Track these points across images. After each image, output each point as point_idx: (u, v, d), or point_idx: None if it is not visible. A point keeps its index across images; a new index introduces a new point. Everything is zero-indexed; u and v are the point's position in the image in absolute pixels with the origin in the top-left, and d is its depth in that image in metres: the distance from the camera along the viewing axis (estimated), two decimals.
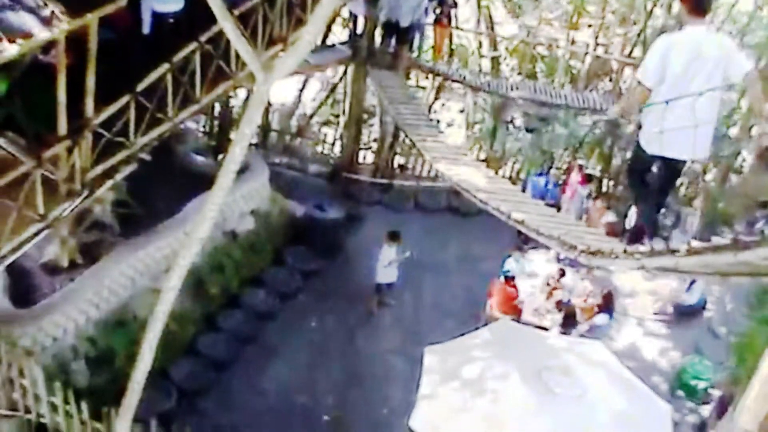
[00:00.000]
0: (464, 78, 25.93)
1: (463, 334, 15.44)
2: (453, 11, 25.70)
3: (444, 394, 13.71)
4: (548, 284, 19.25)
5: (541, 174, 23.23)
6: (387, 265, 19.11)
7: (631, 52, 28.85)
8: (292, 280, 19.96)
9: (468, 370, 14.03)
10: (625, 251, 9.12)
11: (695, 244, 7.20)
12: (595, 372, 14.00)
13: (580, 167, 22.37)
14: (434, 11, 24.11)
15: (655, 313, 20.01)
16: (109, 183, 13.87)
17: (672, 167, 9.11)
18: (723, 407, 15.58)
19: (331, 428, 16.48)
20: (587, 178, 22.32)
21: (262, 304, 19.04)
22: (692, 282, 19.63)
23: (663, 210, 11.12)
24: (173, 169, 18.99)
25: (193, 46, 14.88)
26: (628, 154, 25.29)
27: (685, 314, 19.86)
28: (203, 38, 14.98)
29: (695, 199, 24.27)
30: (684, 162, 9.16)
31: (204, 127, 24.78)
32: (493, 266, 19.46)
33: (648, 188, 9.46)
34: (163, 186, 17.87)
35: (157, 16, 15.11)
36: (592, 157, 27.09)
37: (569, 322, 18.34)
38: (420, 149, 18.71)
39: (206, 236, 8.74)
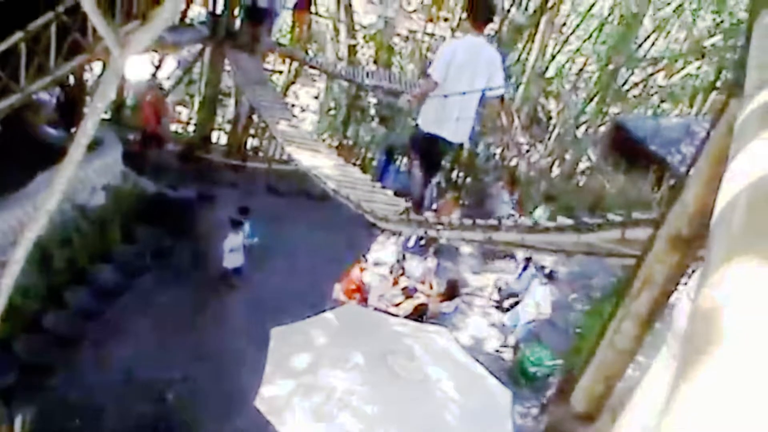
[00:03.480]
0: (320, 64, 26.10)
1: (310, 315, 15.60)
2: None
3: (289, 375, 13.85)
4: (392, 271, 19.62)
5: (389, 162, 23.54)
6: (231, 250, 19.17)
7: None
8: (141, 257, 19.78)
9: (312, 352, 14.19)
10: (473, 224, 9.60)
11: (543, 222, 7.64)
12: (439, 357, 14.36)
13: None
14: None
15: (494, 302, 20.54)
16: None
17: (440, 144, 10.64)
18: (561, 393, 16.13)
19: (176, 406, 16.46)
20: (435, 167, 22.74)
21: (110, 281, 18.80)
22: (523, 269, 20.22)
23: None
24: (24, 141, 18.59)
25: (49, 15, 14.65)
26: (480, 146, 26.20)
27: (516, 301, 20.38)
28: (60, 8, 14.75)
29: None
30: (448, 142, 10.61)
31: (58, 99, 24.27)
32: (342, 251, 19.72)
33: (423, 161, 11.09)
34: (13, 157, 17.48)
35: None
36: None
37: (417, 309, 18.71)
38: (273, 132, 18.80)
39: (55, 210, 8.69)
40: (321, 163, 16.25)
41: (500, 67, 10.29)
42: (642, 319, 3.34)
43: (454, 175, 26.09)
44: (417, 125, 10.75)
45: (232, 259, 19.34)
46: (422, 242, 21.61)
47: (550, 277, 18.79)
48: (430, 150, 10.85)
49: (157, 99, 23.43)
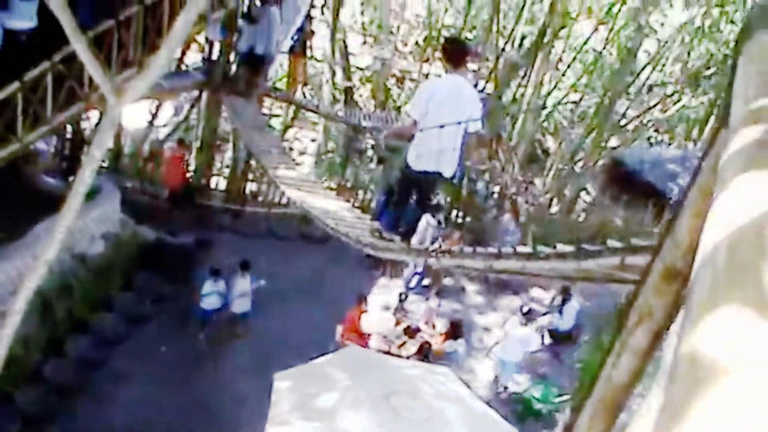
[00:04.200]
0: (317, 107, 26.19)
1: (313, 359, 15.54)
2: (309, 41, 25.81)
3: (292, 420, 13.76)
4: (394, 312, 19.59)
5: (388, 202, 23.46)
6: (239, 295, 19.13)
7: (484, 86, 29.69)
8: (141, 305, 19.76)
9: (315, 396, 14.11)
10: (474, 252, 9.60)
11: (544, 249, 7.64)
12: (443, 397, 14.28)
13: None
14: (292, 38, 24.16)
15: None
16: None
17: (430, 179, 10.99)
18: (567, 430, 16.00)
19: None
20: (434, 208, 22.72)
21: (111, 329, 18.76)
22: (563, 304, 20.08)
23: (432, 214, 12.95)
24: (22, 191, 18.60)
25: (45, 65, 14.70)
26: (479, 185, 26.24)
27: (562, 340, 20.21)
28: (56, 58, 14.81)
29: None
30: (438, 174, 10.79)
31: (55, 148, 24.33)
32: (344, 294, 19.66)
33: (411, 196, 11.40)
34: (11, 207, 17.49)
35: (8, 33, 14.86)
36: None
37: (420, 349, 18.64)
38: (271, 176, 18.81)
39: (54, 259, 8.67)
40: (319, 203, 16.23)
41: (479, 105, 10.69)
42: (640, 352, 3.30)
43: (454, 215, 26.07)
44: (406, 163, 11.00)
45: (240, 305, 19.29)
46: (425, 282, 21.56)
47: (529, 315, 18.67)
48: (419, 184, 11.17)
49: (182, 154, 23.53)
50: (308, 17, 24.39)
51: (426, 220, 21.13)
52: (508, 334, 18.70)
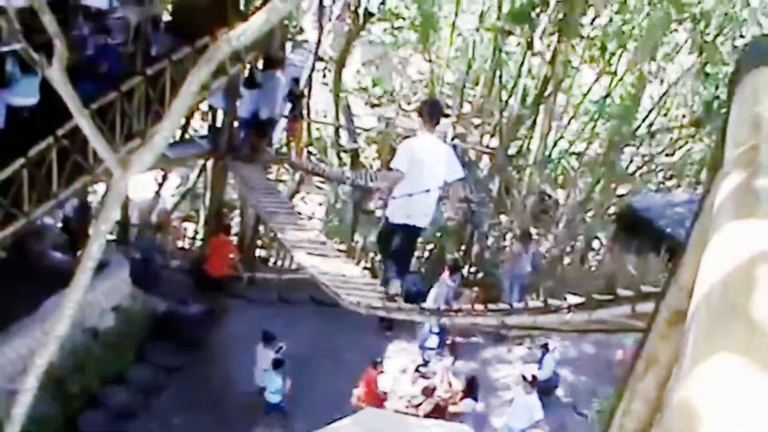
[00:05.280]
0: (323, 170, 26.24)
1: (330, 423, 15.42)
2: (304, 102, 25.75)
3: None
4: (413, 371, 19.45)
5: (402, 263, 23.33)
6: (266, 368, 18.92)
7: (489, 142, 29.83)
8: (155, 377, 19.65)
9: None
10: (486, 309, 9.55)
11: (554, 302, 7.58)
12: None
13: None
14: (288, 100, 24.15)
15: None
16: None
17: (409, 231, 11.71)
18: None
19: None
20: (453, 269, 22.66)
21: (125, 403, 18.63)
22: (543, 356, 20.06)
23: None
24: (30, 267, 18.61)
25: (49, 140, 14.76)
26: (490, 241, 26.21)
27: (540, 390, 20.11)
28: (60, 132, 14.88)
29: None
30: (414, 226, 11.67)
31: (62, 222, 24.35)
32: (357, 357, 19.54)
33: (394, 249, 11.88)
34: (20, 284, 17.47)
35: (11, 110, 14.96)
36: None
37: (437, 408, 18.49)
38: (280, 238, 18.81)
39: (64, 334, 8.60)
40: (328, 268, 16.17)
41: (455, 159, 11.90)
42: (650, 399, 3.21)
43: (466, 271, 25.96)
44: (386, 217, 11.95)
45: (263, 378, 19.04)
46: (443, 342, 21.41)
47: (533, 383, 18.57)
48: (400, 237, 11.73)
49: (226, 239, 23.53)
50: (296, 81, 24.42)
51: (443, 281, 21.16)
52: (515, 402, 18.61)
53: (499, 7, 27.41)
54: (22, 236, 15.93)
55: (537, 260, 23.29)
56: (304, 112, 26.24)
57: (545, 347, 20.07)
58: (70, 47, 7.60)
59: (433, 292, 20.26)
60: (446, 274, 21.24)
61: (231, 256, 23.56)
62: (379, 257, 25.22)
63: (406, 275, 12.71)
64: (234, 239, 26.32)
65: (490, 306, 9.80)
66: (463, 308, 11.18)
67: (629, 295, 6.03)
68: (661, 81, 30.53)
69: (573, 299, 7.24)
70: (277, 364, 18.73)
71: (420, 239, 14.51)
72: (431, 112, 11.66)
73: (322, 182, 32.35)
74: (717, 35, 27.35)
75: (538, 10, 25.52)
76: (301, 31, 28.82)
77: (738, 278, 1.24)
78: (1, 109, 14.88)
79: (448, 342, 20.98)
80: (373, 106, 37.10)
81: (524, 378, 18.47)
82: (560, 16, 25.39)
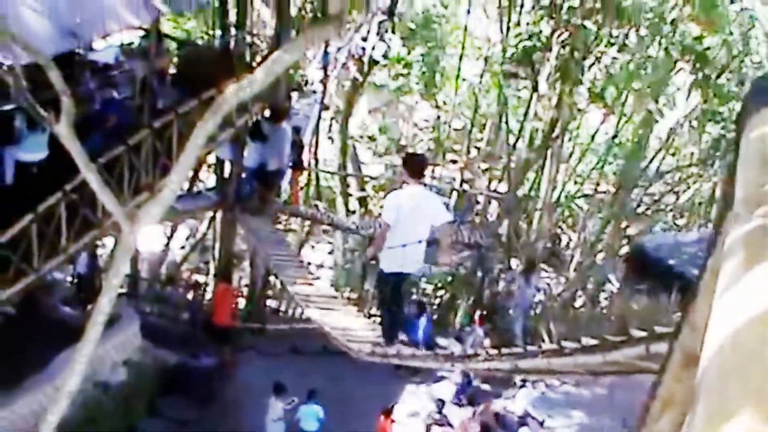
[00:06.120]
0: (332, 220, 26.23)
1: None
2: (305, 152, 25.62)
3: None
4: (429, 418, 19.34)
5: (420, 314, 23.14)
6: (276, 419, 18.83)
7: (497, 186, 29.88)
8: (166, 430, 19.50)
9: None
10: (499, 353, 9.48)
11: (568, 344, 7.52)
12: None
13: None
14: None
15: None
16: None
17: (401, 278, 11.92)
18: None
19: None
20: (483, 320, 22.66)
21: None
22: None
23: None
24: (41, 322, 18.57)
25: (57, 195, 14.80)
26: (500, 286, 26.15)
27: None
28: (68, 187, 14.92)
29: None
30: (407, 273, 12.02)
31: (72, 277, 24.35)
32: (371, 405, 19.41)
33: (388, 297, 12.17)
34: (30, 339, 17.43)
35: (20, 165, 15.03)
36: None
37: None
38: (290, 292, 18.75)
39: (76, 390, 8.56)
40: (338, 321, 16.08)
41: (441, 205, 12.04)
42: None
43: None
44: (380, 268, 12.01)
45: (275, 429, 18.97)
46: (464, 390, 21.31)
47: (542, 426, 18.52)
48: (393, 284, 11.95)
49: (228, 288, 23.53)
50: (296, 130, 24.41)
51: (475, 330, 21.32)
52: None
53: (503, 51, 27.48)
54: (33, 291, 15.91)
55: (537, 285, 23.38)
56: (308, 161, 26.26)
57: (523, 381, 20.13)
58: (77, 102, 7.64)
59: (469, 340, 21.00)
60: (478, 323, 21.44)
61: (235, 304, 23.53)
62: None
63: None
64: (243, 290, 26.34)
65: (504, 350, 9.72)
66: (477, 353, 11.10)
67: (642, 335, 6.00)
68: (668, 120, 30.52)
69: (586, 340, 7.19)
70: (310, 395, 19.13)
71: (431, 286, 14.59)
72: (413, 166, 11.82)
73: (330, 231, 32.36)
74: (720, 73, 27.41)
75: (539, 54, 25.60)
76: (307, 83, 28.94)
77: (751, 328, 1.22)
78: (10, 165, 14.95)
79: (470, 390, 20.94)
80: (380, 155, 37.17)
81: (534, 419, 18.43)
82: (564, 57, 25.43)
